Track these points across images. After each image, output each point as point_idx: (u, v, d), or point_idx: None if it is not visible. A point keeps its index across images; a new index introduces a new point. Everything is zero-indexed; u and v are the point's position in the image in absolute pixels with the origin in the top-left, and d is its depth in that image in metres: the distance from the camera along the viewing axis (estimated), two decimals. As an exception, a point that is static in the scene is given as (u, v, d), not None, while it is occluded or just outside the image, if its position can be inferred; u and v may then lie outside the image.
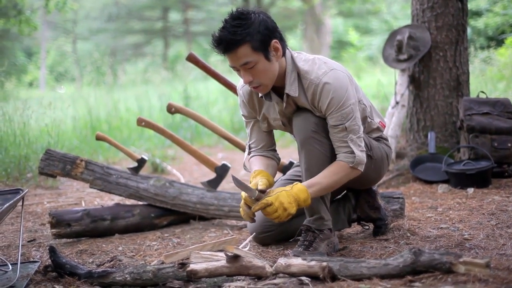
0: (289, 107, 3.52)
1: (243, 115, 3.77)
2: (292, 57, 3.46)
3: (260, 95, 3.53)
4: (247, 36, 3.22)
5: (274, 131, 3.84)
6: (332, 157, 3.47)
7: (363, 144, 3.48)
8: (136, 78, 18.02)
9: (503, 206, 4.48)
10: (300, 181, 3.59)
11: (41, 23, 21.11)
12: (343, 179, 3.48)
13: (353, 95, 3.42)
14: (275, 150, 3.83)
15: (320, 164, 3.43)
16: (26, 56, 28.61)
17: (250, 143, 3.79)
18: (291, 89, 3.42)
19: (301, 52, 3.54)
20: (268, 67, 3.31)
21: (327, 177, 3.42)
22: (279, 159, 3.83)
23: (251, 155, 3.77)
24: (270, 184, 3.49)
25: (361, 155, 3.45)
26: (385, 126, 3.90)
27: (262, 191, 3.31)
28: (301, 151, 3.48)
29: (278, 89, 3.50)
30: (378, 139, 3.80)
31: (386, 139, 3.90)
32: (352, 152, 3.42)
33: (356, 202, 3.99)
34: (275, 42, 3.31)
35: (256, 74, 3.30)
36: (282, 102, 3.50)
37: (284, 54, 3.40)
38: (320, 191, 3.42)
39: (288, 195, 3.28)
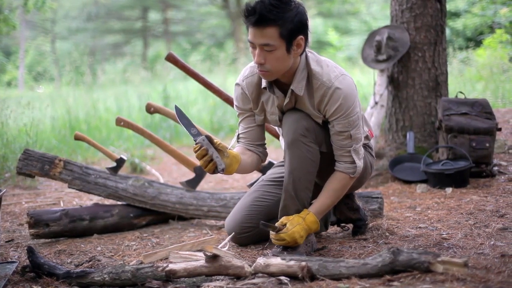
0: (289, 104, 3.51)
1: (237, 106, 3.71)
2: (306, 56, 3.45)
3: (263, 85, 3.50)
4: (280, 20, 3.19)
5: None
6: (317, 162, 3.49)
7: (362, 152, 3.55)
8: (115, 78, 17.91)
9: (481, 206, 4.50)
10: (281, 182, 3.62)
11: (20, 22, 20.95)
12: (346, 190, 3.59)
13: (359, 104, 3.47)
14: (263, 145, 3.78)
15: (304, 169, 3.44)
16: (4, 55, 28.38)
17: (239, 133, 3.76)
18: (298, 87, 3.41)
19: (312, 52, 3.53)
20: (284, 58, 3.29)
21: (332, 196, 3.54)
22: (265, 154, 3.78)
23: (238, 144, 3.75)
24: (235, 158, 3.41)
25: (360, 164, 3.53)
26: (373, 135, 3.92)
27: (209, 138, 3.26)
28: (287, 151, 3.48)
29: (282, 85, 3.49)
30: (364, 146, 3.81)
31: (371, 148, 3.93)
32: (353, 162, 3.50)
33: (335, 205, 4.00)
34: (300, 39, 3.29)
35: (270, 59, 3.27)
36: (284, 97, 3.49)
37: (302, 53, 3.40)
38: (327, 211, 3.59)
39: (301, 229, 3.41)
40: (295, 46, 3.29)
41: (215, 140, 3.28)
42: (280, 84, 3.50)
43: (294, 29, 3.24)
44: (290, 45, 3.27)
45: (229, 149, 3.40)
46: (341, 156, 3.50)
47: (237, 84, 3.68)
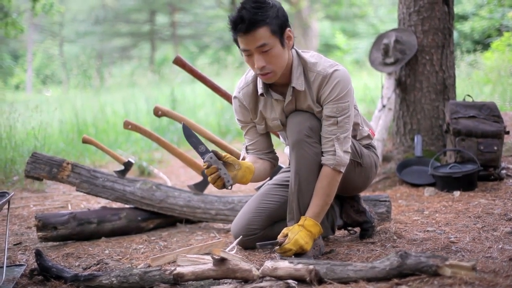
0: (291, 104, 3.53)
1: (238, 120, 3.75)
2: (297, 52, 3.50)
3: (260, 92, 3.53)
4: (267, 18, 3.25)
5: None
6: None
7: (348, 146, 3.49)
8: (122, 81, 17.95)
9: (489, 209, 4.49)
10: (287, 185, 3.63)
11: (28, 26, 21.04)
12: (334, 187, 3.51)
13: (353, 95, 3.48)
14: (272, 152, 3.82)
15: (310, 169, 3.44)
16: (12, 58, 28.51)
17: (247, 145, 3.80)
18: (297, 83, 3.44)
19: (303, 50, 3.58)
20: (281, 53, 3.34)
21: (322, 195, 3.47)
22: (276, 159, 3.82)
23: (248, 155, 3.79)
24: (248, 169, 3.49)
25: (343, 156, 3.46)
26: (374, 135, 3.92)
27: (217, 155, 3.33)
28: (292, 152, 3.48)
29: (279, 87, 3.53)
30: (367, 146, 3.82)
31: (375, 147, 3.92)
32: (334, 154, 3.44)
33: (341, 209, 4.00)
34: (289, 31, 3.36)
35: (270, 59, 3.31)
36: (283, 99, 3.52)
37: (292, 47, 3.45)
38: (324, 211, 3.51)
39: (304, 235, 3.39)
40: (286, 39, 3.36)
41: (223, 155, 3.34)
42: (276, 87, 3.53)
43: (281, 23, 3.31)
44: (283, 39, 3.34)
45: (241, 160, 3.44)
46: (325, 143, 3.47)
47: (234, 97, 3.72)
